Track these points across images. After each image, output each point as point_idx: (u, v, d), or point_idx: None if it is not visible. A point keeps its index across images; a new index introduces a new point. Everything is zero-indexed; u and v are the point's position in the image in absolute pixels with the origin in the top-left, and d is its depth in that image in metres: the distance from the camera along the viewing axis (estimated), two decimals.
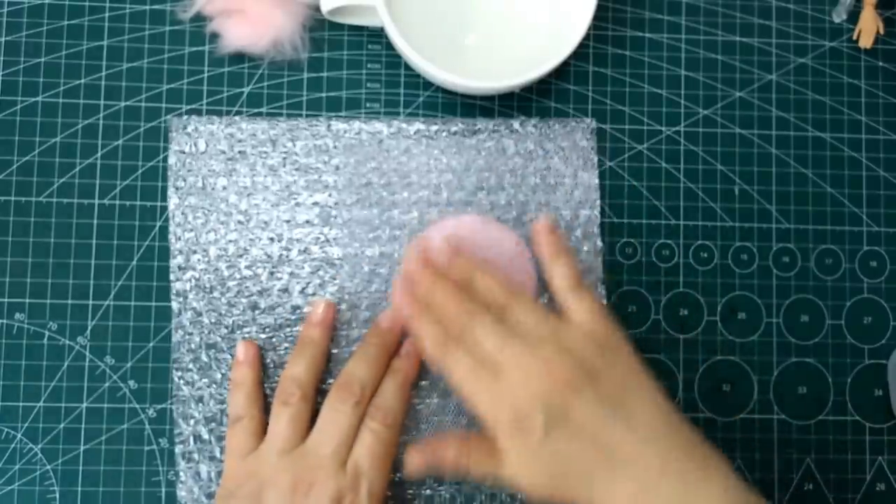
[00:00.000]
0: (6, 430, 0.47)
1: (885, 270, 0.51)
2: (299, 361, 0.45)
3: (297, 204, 0.48)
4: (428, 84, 0.50)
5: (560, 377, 0.39)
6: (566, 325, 0.41)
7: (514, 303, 0.42)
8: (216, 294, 0.48)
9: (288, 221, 0.48)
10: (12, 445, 0.47)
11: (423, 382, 0.48)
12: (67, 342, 0.47)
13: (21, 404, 0.47)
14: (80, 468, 0.47)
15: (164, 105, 0.49)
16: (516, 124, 0.50)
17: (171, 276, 0.48)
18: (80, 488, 0.47)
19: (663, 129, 0.51)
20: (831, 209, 0.51)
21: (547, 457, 0.38)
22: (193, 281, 0.48)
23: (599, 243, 0.49)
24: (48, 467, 0.47)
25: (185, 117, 0.49)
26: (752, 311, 0.50)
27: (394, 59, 0.50)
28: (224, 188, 0.48)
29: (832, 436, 0.50)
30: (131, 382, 0.47)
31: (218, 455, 0.47)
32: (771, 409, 0.50)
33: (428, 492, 0.47)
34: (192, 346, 0.47)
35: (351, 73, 0.50)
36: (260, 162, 0.49)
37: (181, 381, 0.47)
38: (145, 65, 0.49)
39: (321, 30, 0.50)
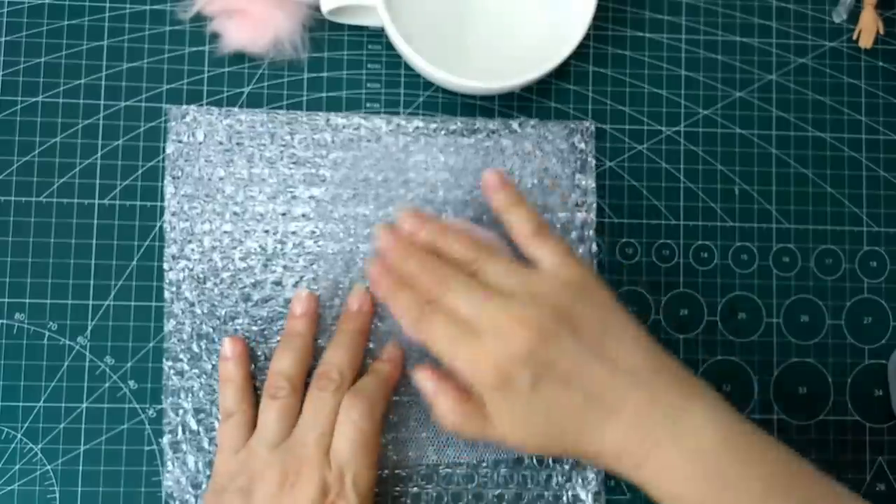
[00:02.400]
0: (6, 430, 0.47)
1: (885, 270, 0.51)
2: (286, 355, 0.45)
3: (294, 197, 0.48)
4: (428, 84, 0.50)
5: (538, 329, 0.38)
6: (536, 273, 0.40)
7: (483, 260, 0.41)
8: (209, 285, 0.48)
9: (284, 214, 0.48)
10: (12, 445, 0.47)
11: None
12: (67, 342, 0.47)
13: (21, 404, 0.47)
14: (80, 468, 0.47)
15: (164, 105, 0.49)
16: (515, 125, 0.50)
17: (165, 266, 0.48)
18: (80, 488, 0.47)
19: (663, 129, 0.51)
20: (831, 209, 0.51)
21: (536, 411, 0.38)
22: (187, 271, 0.48)
23: (595, 246, 0.49)
24: (48, 467, 0.47)
25: (185, 107, 0.49)
26: (752, 311, 0.50)
27: (394, 59, 0.50)
28: (221, 179, 0.48)
29: (832, 436, 0.50)
30: (131, 382, 0.47)
31: (206, 446, 0.47)
32: (771, 409, 0.50)
33: (415, 489, 0.47)
34: (184, 336, 0.47)
35: (351, 73, 0.50)
36: (258, 154, 0.49)
37: (171, 371, 0.47)
38: (145, 65, 0.49)
39: (321, 30, 0.50)
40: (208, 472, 0.46)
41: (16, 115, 0.49)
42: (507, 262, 0.41)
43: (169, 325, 0.47)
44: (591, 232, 0.49)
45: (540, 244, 0.41)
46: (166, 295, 0.48)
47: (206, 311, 0.47)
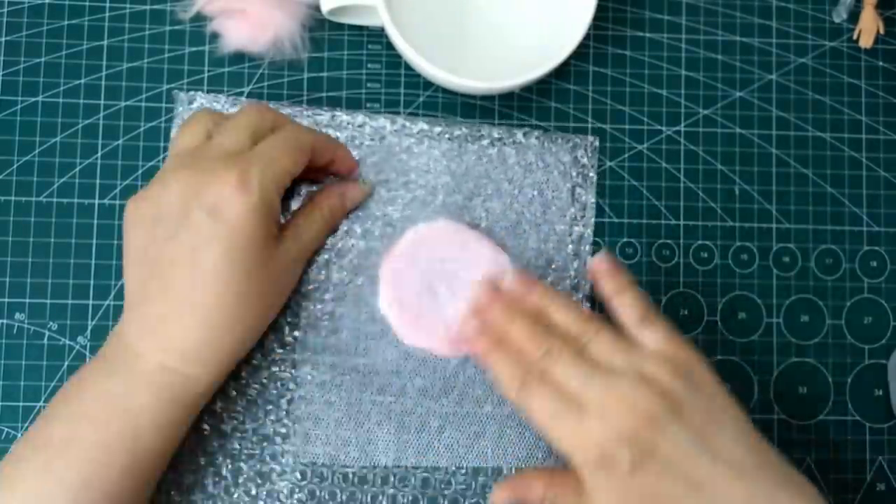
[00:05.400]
0: (6, 430, 0.47)
1: (886, 270, 0.51)
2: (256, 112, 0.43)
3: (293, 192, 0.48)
4: (428, 84, 0.50)
5: (644, 411, 0.38)
6: (644, 354, 0.40)
7: (592, 335, 0.41)
8: None
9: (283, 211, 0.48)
10: (12, 446, 0.47)
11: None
12: (67, 342, 0.47)
13: (21, 404, 0.47)
14: None
15: (164, 105, 0.49)
16: (519, 135, 0.50)
17: None
18: None
19: (663, 129, 0.51)
20: (831, 209, 0.51)
21: (635, 495, 0.38)
22: None
23: (589, 260, 0.49)
24: None
25: (191, 92, 0.49)
26: (752, 311, 0.50)
27: (394, 59, 0.50)
28: None
29: (832, 436, 0.50)
30: None
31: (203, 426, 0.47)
32: (771, 409, 0.50)
33: (391, 491, 0.47)
34: None
35: (351, 73, 0.50)
36: None
37: None
38: (145, 65, 0.49)
39: (321, 30, 0.50)
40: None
41: (16, 115, 0.49)
42: (616, 339, 0.41)
43: None
44: (588, 247, 0.49)
45: (649, 328, 0.41)
46: None
47: None
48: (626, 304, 0.42)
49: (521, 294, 0.43)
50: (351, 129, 0.49)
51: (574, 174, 0.50)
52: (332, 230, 0.47)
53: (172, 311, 0.39)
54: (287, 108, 0.49)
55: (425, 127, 0.49)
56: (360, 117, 0.49)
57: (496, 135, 0.49)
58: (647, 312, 0.42)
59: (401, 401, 0.47)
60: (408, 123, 0.49)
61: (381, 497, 0.47)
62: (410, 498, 0.47)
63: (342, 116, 0.49)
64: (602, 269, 0.43)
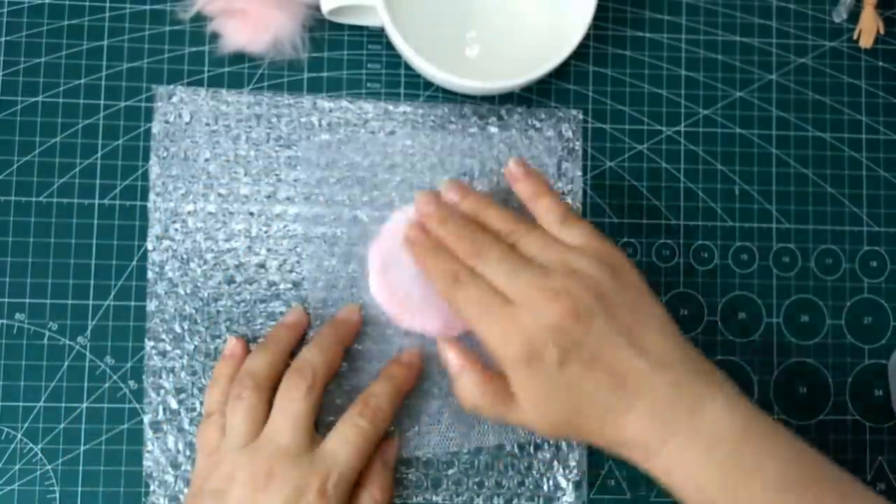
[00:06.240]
0: (6, 430, 0.47)
1: (886, 270, 0.51)
2: (259, 356, 0.44)
3: (279, 179, 0.49)
4: (428, 84, 0.50)
5: (572, 306, 0.38)
6: (573, 250, 0.40)
7: (522, 233, 0.41)
8: (192, 265, 0.48)
9: (268, 197, 0.48)
10: (12, 445, 0.47)
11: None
12: (67, 342, 0.47)
13: (21, 404, 0.47)
14: (80, 468, 0.47)
15: None
16: (502, 111, 0.50)
17: (149, 245, 0.48)
18: (80, 488, 0.47)
19: (663, 129, 0.51)
20: (831, 209, 0.51)
21: (561, 390, 0.38)
22: (171, 251, 0.48)
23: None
24: (48, 467, 0.47)
25: (171, 87, 0.49)
26: (752, 311, 0.50)
27: (394, 59, 0.50)
28: (206, 160, 0.48)
29: (832, 436, 0.50)
30: (131, 382, 0.47)
31: (186, 426, 0.47)
32: (771, 409, 0.50)
33: (396, 475, 0.47)
34: (166, 316, 0.47)
35: (351, 73, 0.50)
36: (244, 136, 0.49)
37: (153, 352, 0.47)
38: (145, 65, 0.49)
39: (321, 30, 0.50)
40: (188, 453, 0.47)
41: (16, 115, 0.49)
42: (545, 237, 0.41)
43: (151, 305, 0.47)
44: None
45: (571, 226, 0.41)
46: (149, 275, 0.48)
47: (189, 291, 0.48)
48: (546, 205, 0.42)
49: (456, 201, 0.44)
50: (334, 114, 0.49)
51: (559, 148, 0.50)
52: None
53: None
54: (270, 96, 0.49)
55: (408, 109, 0.49)
56: (342, 103, 0.49)
57: (480, 113, 0.50)
58: (569, 212, 0.42)
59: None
60: (390, 107, 0.49)
61: None
62: (414, 479, 0.47)
63: (324, 103, 0.49)
64: (519, 172, 0.43)
